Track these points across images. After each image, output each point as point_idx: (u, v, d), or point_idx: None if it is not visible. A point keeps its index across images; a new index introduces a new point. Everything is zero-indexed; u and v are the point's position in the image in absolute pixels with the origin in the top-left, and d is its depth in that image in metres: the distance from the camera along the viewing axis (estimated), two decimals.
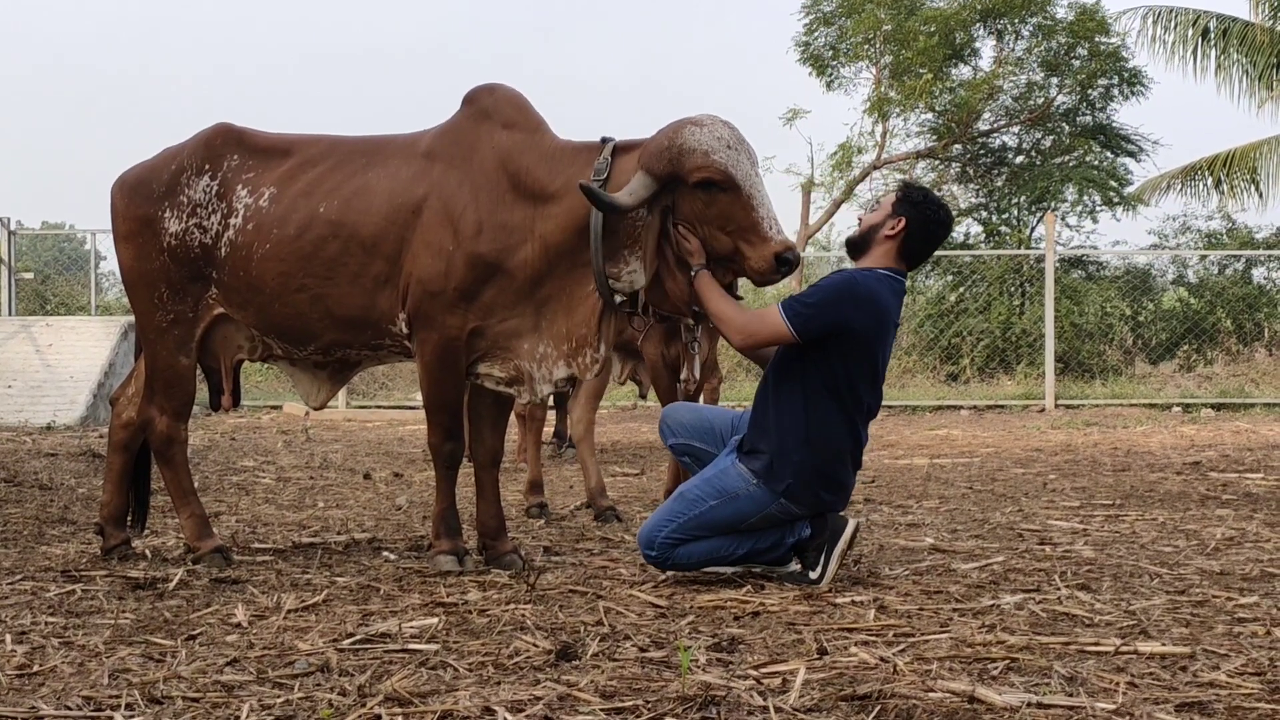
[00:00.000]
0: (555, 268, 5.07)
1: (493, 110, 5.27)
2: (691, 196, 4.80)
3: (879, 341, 4.90)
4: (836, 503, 5.00)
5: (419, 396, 5.47)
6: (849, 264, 5.24)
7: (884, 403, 5.18)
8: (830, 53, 22.39)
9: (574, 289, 5.07)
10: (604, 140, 5.08)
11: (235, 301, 5.38)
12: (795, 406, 4.91)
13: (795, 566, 5.10)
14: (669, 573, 5.09)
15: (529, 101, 5.34)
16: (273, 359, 5.55)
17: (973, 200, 22.63)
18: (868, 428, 5.06)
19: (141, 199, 5.47)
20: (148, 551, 5.71)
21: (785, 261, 4.74)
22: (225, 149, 5.45)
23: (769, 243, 4.75)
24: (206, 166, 5.42)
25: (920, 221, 4.97)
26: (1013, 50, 22.07)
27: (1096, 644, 3.89)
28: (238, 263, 5.32)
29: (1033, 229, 21.56)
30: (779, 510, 4.92)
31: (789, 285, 17.59)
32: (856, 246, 5.07)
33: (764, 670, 3.62)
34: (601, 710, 3.27)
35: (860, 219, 5.16)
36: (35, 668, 3.70)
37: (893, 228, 4.97)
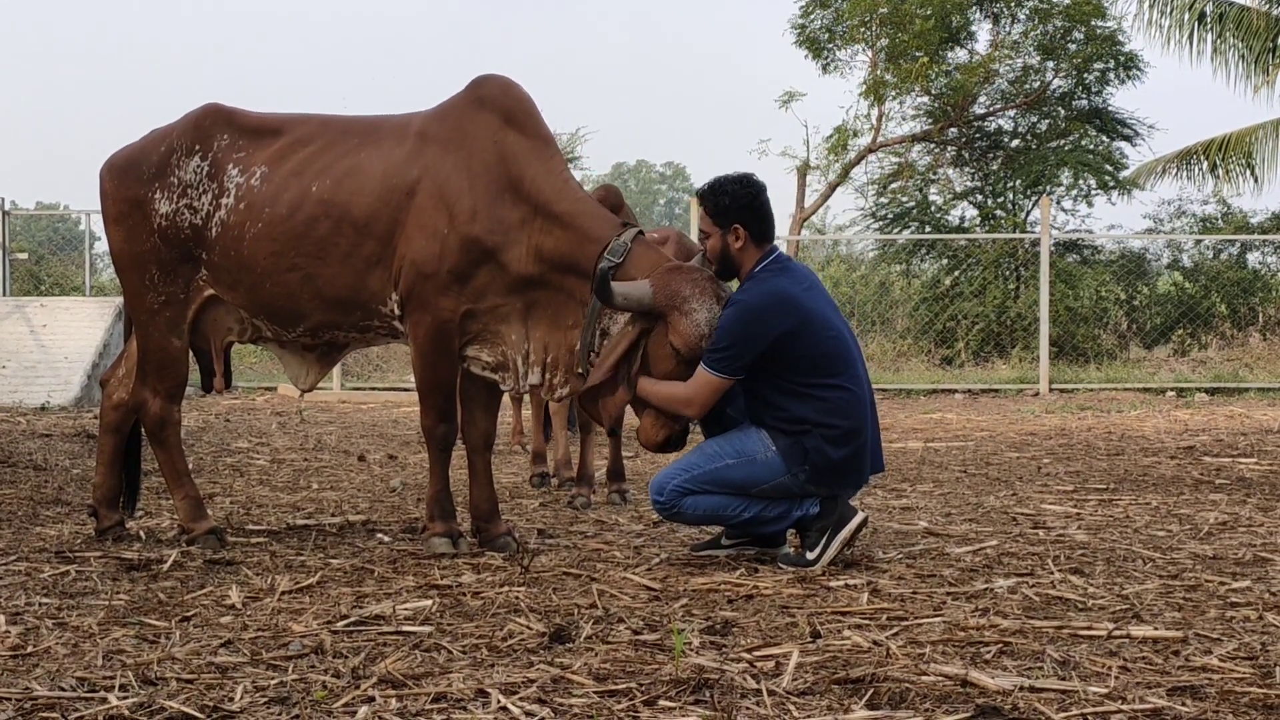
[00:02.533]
0: (546, 281, 5.14)
1: (497, 104, 5.27)
2: (662, 340, 4.91)
3: (807, 315, 4.95)
4: (853, 480, 5.04)
5: (413, 378, 5.48)
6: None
7: (878, 387, 5.20)
8: (826, 35, 22.31)
9: (560, 311, 5.16)
10: (626, 224, 5.15)
11: (225, 282, 5.37)
12: (784, 414, 4.96)
13: (789, 549, 5.11)
14: (664, 555, 5.11)
15: (536, 106, 5.36)
16: (262, 341, 5.56)
17: (968, 184, 22.59)
18: (864, 375, 5.09)
19: (131, 181, 5.46)
20: (142, 533, 5.71)
21: (665, 448, 5.06)
22: (215, 129, 5.44)
23: (670, 425, 5.01)
24: (197, 147, 5.41)
25: (747, 213, 5.06)
26: (1009, 34, 22.02)
27: (1089, 628, 3.90)
28: (229, 242, 5.31)
29: (1028, 213, 21.54)
30: (793, 483, 4.95)
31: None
32: (726, 272, 5.15)
33: (757, 653, 3.63)
34: (595, 693, 3.28)
35: (704, 252, 5.19)
36: (29, 648, 3.71)
37: (737, 239, 5.06)
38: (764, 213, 5.09)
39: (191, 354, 5.61)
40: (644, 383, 4.93)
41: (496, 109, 5.26)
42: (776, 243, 5.18)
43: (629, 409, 5.11)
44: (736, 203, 5.06)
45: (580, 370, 5.11)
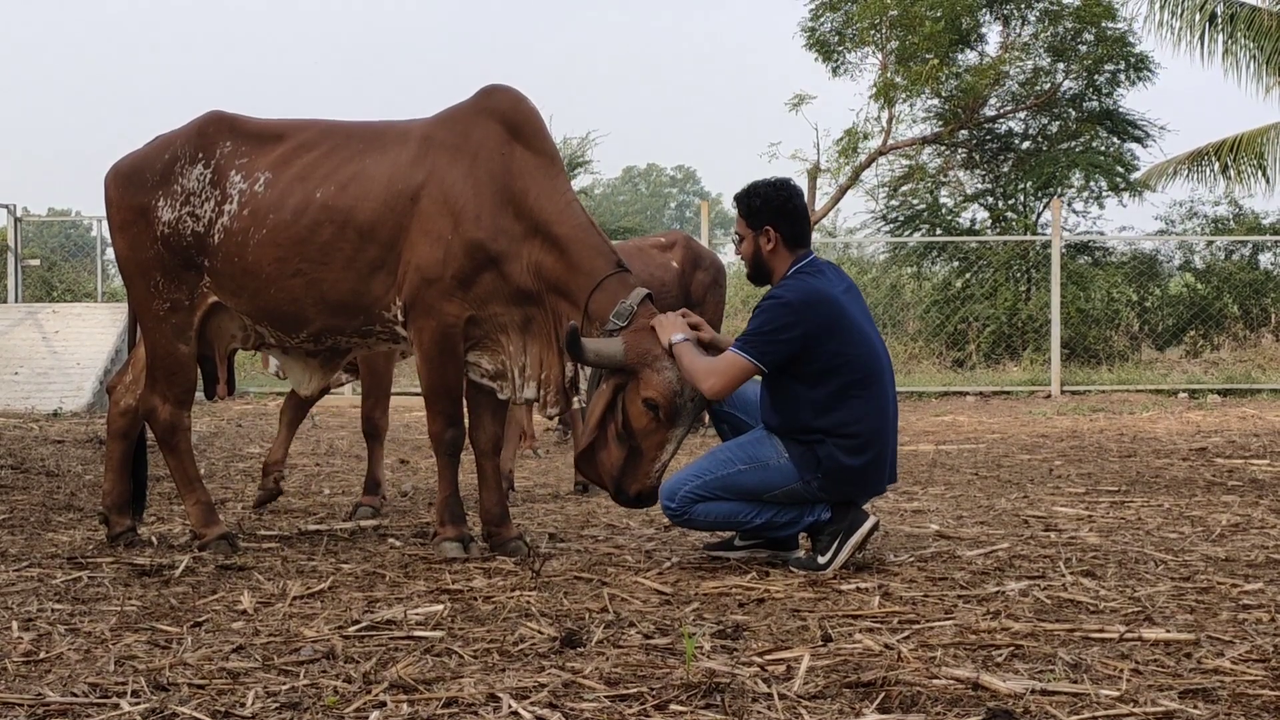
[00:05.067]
0: (541, 299, 5.15)
1: (505, 116, 5.27)
2: (635, 396, 4.92)
3: (842, 316, 4.92)
4: (867, 488, 5.03)
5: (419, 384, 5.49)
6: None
7: None
8: (836, 38, 22.29)
9: (555, 331, 5.14)
10: (621, 264, 5.13)
11: (229, 288, 5.38)
12: (800, 421, 4.94)
13: (800, 553, 5.11)
14: (675, 559, 5.11)
15: (544, 122, 5.38)
16: (265, 347, 5.57)
17: (979, 186, 22.55)
18: (890, 386, 5.04)
19: (135, 188, 5.47)
20: (154, 538, 5.72)
21: (639, 502, 5.02)
22: (218, 136, 5.45)
23: (645, 479, 4.97)
24: (200, 154, 5.42)
25: (779, 215, 5.06)
26: (1019, 35, 21.98)
27: (1101, 630, 3.89)
28: (232, 249, 5.32)
29: (1039, 215, 21.49)
30: (805, 490, 4.94)
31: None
32: (759, 277, 5.16)
33: (768, 657, 3.62)
34: (606, 697, 3.28)
35: (738, 255, 5.22)
36: (42, 654, 3.72)
37: (768, 240, 5.06)
38: (796, 215, 5.08)
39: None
40: (682, 348, 4.87)
41: (504, 121, 5.26)
42: None
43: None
44: (768, 204, 5.06)
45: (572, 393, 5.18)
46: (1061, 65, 21.74)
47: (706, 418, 10.86)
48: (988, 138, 22.34)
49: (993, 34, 22.33)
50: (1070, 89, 21.91)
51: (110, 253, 22.40)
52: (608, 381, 4.97)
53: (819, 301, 4.90)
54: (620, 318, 4.97)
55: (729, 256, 14.90)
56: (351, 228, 5.20)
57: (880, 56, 22.17)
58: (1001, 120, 22.34)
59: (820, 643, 3.79)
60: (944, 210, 22.23)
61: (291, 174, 5.31)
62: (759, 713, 3.15)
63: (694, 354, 4.88)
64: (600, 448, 5.00)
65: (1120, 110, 21.89)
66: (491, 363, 5.28)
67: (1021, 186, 21.73)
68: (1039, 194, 21.43)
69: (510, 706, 3.19)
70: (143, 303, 5.49)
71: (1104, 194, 21.47)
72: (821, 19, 22.27)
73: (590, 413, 5.00)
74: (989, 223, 21.94)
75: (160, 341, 5.46)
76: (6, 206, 17.70)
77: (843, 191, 22.85)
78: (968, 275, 20.65)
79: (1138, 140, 21.96)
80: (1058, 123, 22.11)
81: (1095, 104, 21.92)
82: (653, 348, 4.91)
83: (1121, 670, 3.47)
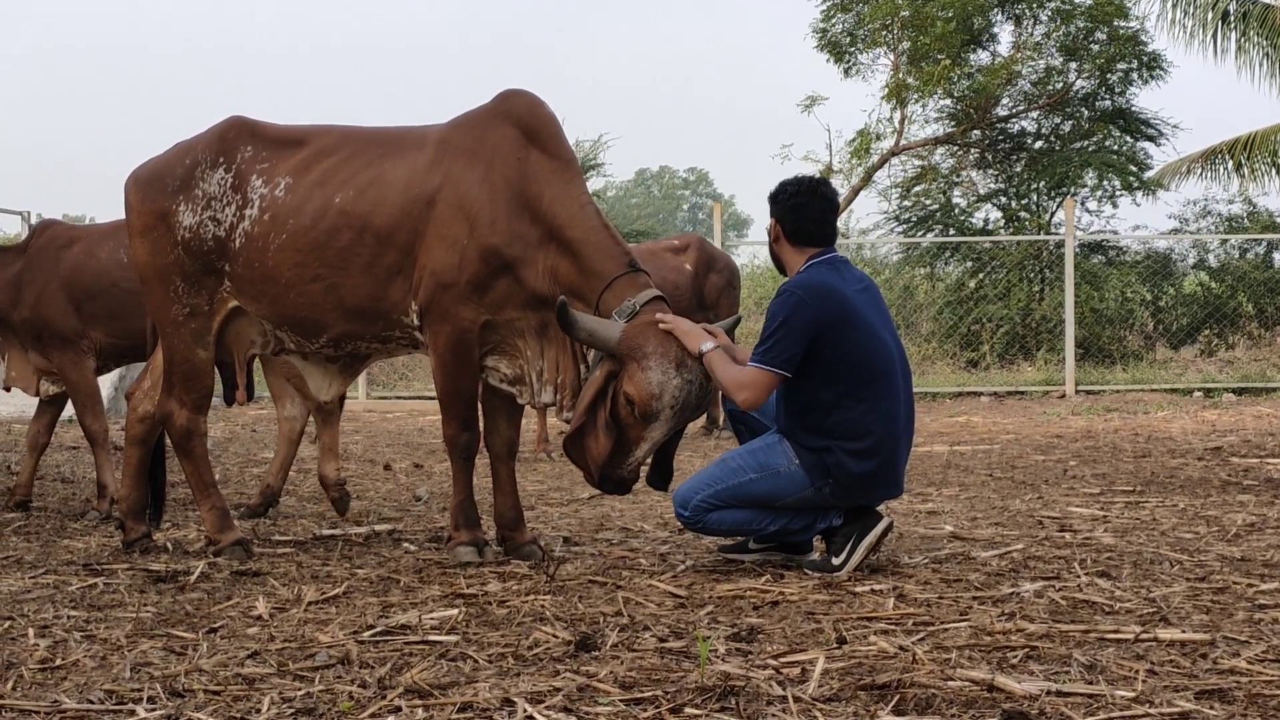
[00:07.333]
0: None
1: (522, 120, 5.26)
2: (621, 388, 4.89)
3: (851, 311, 4.89)
4: (878, 494, 5.02)
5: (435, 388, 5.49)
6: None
7: None
8: (848, 39, 22.27)
9: (569, 340, 5.12)
10: (634, 264, 5.12)
11: (249, 293, 5.39)
12: (809, 428, 4.93)
13: (814, 555, 5.11)
14: (689, 562, 5.12)
15: (561, 127, 5.36)
16: (284, 353, 5.57)
17: (992, 186, 22.50)
18: (902, 391, 5.00)
19: (156, 193, 5.48)
20: (169, 544, 5.73)
21: (614, 489, 5.02)
22: (239, 141, 5.46)
23: (620, 468, 4.95)
24: (221, 160, 5.43)
25: (785, 211, 5.09)
26: (1031, 35, 21.93)
27: (1116, 631, 3.88)
28: (252, 254, 5.32)
29: (1052, 214, 21.44)
30: (817, 496, 4.93)
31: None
32: (778, 270, 5.24)
33: (783, 660, 3.62)
34: (621, 701, 3.28)
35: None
36: (58, 661, 3.72)
37: (774, 234, 5.13)
38: (800, 214, 5.07)
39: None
40: (714, 357, 4.86)
41: (521, 125, 5.25)
42: None
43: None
44: (776, 198, 5.12)
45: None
46: (1074, 64, 21.68)
47: (721, 419, 10.94)
48: (1000, 138, 22.30)
49: (1005, 34, 22.31)
50: (1083, 88, 21.85)
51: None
52: (601, 368, 4.95)
53: (824, 293, 4.88)
54: (621, 315, 4.96)
55: (742, 259, 14.90)
56: (369, 233, 5.21)
57: (892, 57, 22.15)
58: (1014, 120, 22.30)
59: (835, 645, 3.79)
60: (957, 210, 22.20)
61: (311, 179, 5.31)
62: (774, 716, 3.15)
63: (726, 365, 4.87)
64: (588, 433, 4.97)
65: (1133, 109, 21.83)
66: (510, 367, 5.27)
67: (1034, 186, 21.69)
68: (1052, 193, 21.39)
69: (525, 711, 3.19)
70: (161, 308, 5.50)
71: (1117, 193, 21.40)
72: (833, 20, 22.24)
73: (581, 398, 4.99)
74: (1002, 223, 21.91)
75: (178, 347, 5.48)
76: (20, 213, 17.74)
77: (855, 193, 22.82)
78: (981, 275, 20.61)
79: (1151, 139, 21.90)
80: (1070, 122, 22.05)
81: (1108, 103, 21.86)
82: (645, 344, 4.86)
83: (1137, 671, 3.46)
